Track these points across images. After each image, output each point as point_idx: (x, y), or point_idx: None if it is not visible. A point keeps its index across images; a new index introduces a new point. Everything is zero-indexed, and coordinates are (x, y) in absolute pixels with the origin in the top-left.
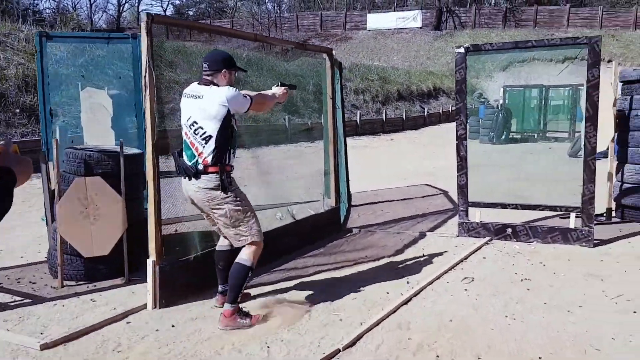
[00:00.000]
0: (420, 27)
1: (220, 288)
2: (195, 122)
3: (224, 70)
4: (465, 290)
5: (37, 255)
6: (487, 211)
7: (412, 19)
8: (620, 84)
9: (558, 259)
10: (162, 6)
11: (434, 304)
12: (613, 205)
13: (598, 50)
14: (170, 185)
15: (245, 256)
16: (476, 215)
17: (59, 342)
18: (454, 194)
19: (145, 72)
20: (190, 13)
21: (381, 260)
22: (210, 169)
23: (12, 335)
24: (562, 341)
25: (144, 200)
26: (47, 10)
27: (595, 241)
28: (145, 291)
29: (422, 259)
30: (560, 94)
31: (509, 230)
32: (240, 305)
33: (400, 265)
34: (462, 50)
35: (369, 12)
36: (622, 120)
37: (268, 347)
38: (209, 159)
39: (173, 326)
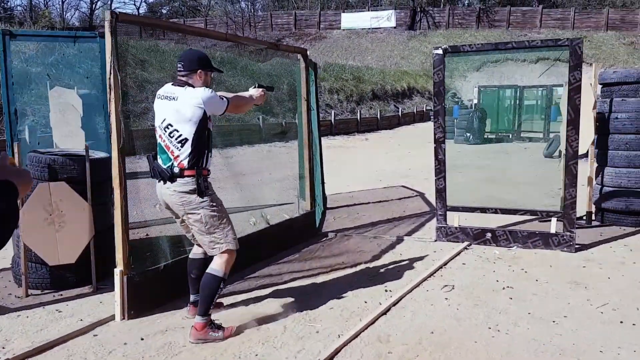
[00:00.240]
0: (395, 27)
1: (192, 298)
2: (170, 124)
3: (199, 70)
4: (446, 299)
5: (0, 262)
6: (465, 214)
7: (386, 18)
8: (599, 86)
9: (540, 266)
10: (135, 4)
11: (414, 314)
12: (593, 209)
13: (580, 53)
14: (139, 186)
15: (217, 266)
16: (455, 219)
17: (21, 357)
18: (430, 196)
19: (110, 73)
20: (164, 11)
21: (358, 267)
22: (187, 173)
23: None
24: (549, 355)
25: (112, 205)
26: (19, 8)
27: (576, 246)
28: (113, 301)
29: (400, 264)
30: (535, 94)
31: (489, 235)
32: (213, 316)
33: (378, 272)
34: (440, 51)
35: (343, 12)
36: (601, 123)
37: None
38: (185, 163)
39: (142, 339)
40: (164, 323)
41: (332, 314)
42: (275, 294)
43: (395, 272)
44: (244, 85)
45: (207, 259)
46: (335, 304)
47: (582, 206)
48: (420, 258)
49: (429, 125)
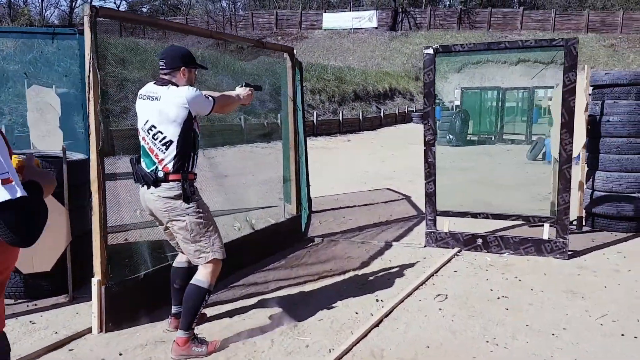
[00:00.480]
0: (376, 28)
1: (174, 310)
2: (153, 126)
3: (182, 67)
4: (440, 309)
5: None
6: (454, 219)
7: (367, 19)
8: (590, 88)
9: (533, 273)
10: (115, 2)
11: (407, 326)
12: (583, 214)
13: (575, 53)
14: (118, 188)
15: (202, 277)
16: (445, 224)
17: None
18: (416, 200)
19: (89, 70)
20: (144, 10)
21: (347, 274)
22: (172, 177)
23: None
24: None
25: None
26: None
27: (569, 252)
28: (90, 311)
29: (390, 272)
30: (515, 96)
31: (480, 241)
32: (196, 330)
33: (368, 280)
34: (431, 51)
35: (325, 12)
36: (592, 126)
37: None
38: (170, 166)
39: (120, 354)
40: (144, 336)
41: (321, 325)
42: (262, 304)
43: (385, 280)
44: (225, 84)
45: (192, 268)
46: (325, 314)
47: (573, 211)
48: (411, 265)
49: (411, 127)
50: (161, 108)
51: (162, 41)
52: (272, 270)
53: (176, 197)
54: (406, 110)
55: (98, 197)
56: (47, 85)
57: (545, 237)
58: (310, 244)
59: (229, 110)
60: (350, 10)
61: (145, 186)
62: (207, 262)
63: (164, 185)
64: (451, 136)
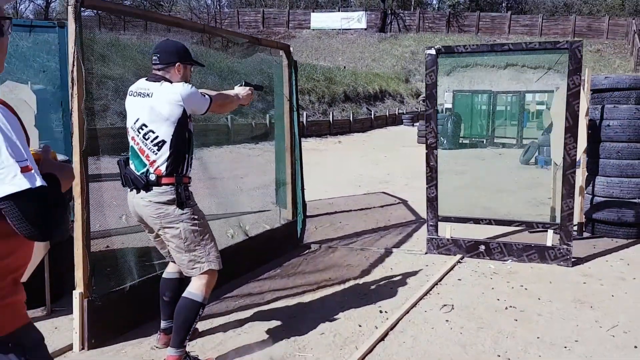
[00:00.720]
0: (365, 29)
1: (163, 324)
2: (144, 124)
3: (177, 63)
4: (447, 321)
5: None
6: (451, 224)
7: (356, 19)
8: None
9: (539, 281)
10: None
11: (415, 340)
12: (583, 219)
13: (580, 56)
14: (101, 191)
15: (195, 289)
16: (446, 230)
17: None
18: (413, 204)
19: (73, 65)
20: (127, 4)
21: (347, 283)
22: (165, 180)
23: None
24: None
25: (71, 213)
26: None
27: (572, 259)
28: (70, 326)
29: (392, 280)
30: (508, 100)
31: (482, 248)
32: (188, 347)
33: (369, 289)
34: (433, 51)
35: (313, 11)
36: (592, 130)
37: None
38: (163, 169)
39: None
40: (130, 354)
41: (323, 340)
42: (258, 316)
43: (388, 289)
44: (210, 83)
45: (183, 280)
46: (326, 328)
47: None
48: (413, 273)
49: (402, 129)
50: (153, 105)
51: (145, 37)
52: (268, 279)
53: (169, 203)
54: (397, 113)
55: (81, 202)
56: (22, 82)
57: (549, 243)
58: (307, 251)
59: (227, 110)
60: (339, 11)
61: (135, 190)
62: (202, 273)
63: (156, 189)
64: (443, 139)
